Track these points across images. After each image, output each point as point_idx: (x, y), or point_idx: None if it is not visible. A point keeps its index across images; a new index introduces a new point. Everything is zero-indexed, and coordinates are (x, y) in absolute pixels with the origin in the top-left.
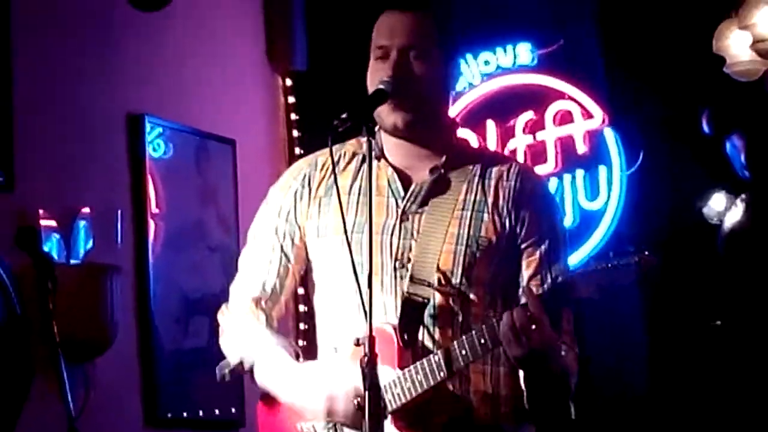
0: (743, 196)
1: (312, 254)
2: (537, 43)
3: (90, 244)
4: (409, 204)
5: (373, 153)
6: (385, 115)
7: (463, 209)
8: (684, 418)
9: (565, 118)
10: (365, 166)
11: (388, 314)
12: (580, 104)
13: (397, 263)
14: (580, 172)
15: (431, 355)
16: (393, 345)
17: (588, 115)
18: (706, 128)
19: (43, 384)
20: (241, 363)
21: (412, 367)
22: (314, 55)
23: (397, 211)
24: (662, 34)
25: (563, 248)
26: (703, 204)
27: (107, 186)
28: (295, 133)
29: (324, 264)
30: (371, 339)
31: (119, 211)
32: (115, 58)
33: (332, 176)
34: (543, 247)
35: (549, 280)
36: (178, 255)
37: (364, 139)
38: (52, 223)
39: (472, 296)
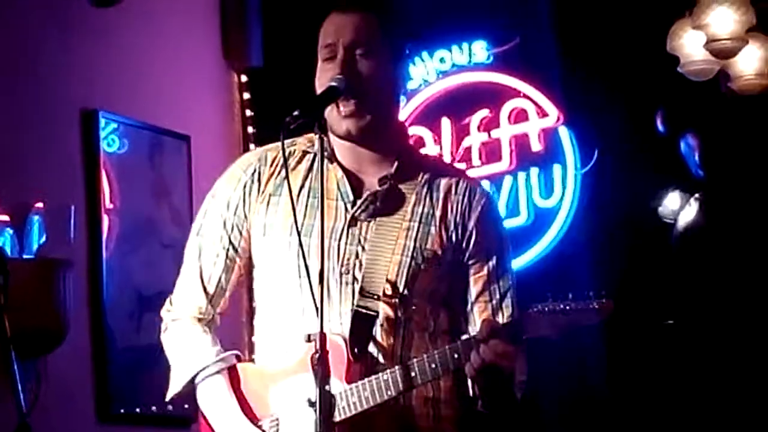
0: (697, 195)
1: (255, 251)
2: (492, 41)
3: (43, 238)
4: (359, 212)
5: (327, 154)
6: (337, 121)
7: (410, 220)
8: (639, 416)
9: (520, 116)
10: (316, 166)
11: (332, 321)
12: (535, 102)
13: (343, 269)
14: (534, 170)
15: (381, 374)
16: (343, 358)
17: (543, 113)
18: (660, 127)
19: None
20: (189, 384)
21: (360, 383)
22: (270, 51)
23: (345, 216)
24: (617, 33)
25: (510, 265)
26: (657, 203)
27: (61, 181)
28: (250, 130)
29: (267, 263)
30: (322, 337)
31: (72, 207)
32: (70, 54)
33: (282, 174)
34: (491, 263)
35: (497, 296)
36: (132, 251)
37: (315, 137)
38: (5, 217)
39: (414, 307)
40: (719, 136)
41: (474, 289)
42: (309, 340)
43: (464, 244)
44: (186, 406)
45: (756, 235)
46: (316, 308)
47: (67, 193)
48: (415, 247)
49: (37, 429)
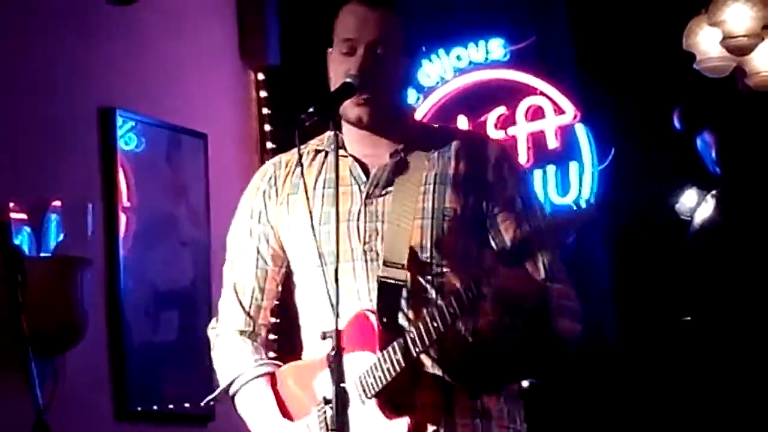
0: (714, 192)
1: (288, 252)
2: (509, 38)
3: (60, 237)
4: (372, 188)
5: (334, 146)
6: (350, 108)
7: (425, 184)
8: (656, 412)
9: (537, 113)
10: (329, 158)
11: (362, 300)
12: (551, 100)
13: (366, 247)
14: (551, 168)
15: (406, 333)
16: (373, 330)
17: (559, 110)
18: (677, 124)
19: (12, 377)
20: (224, 390)
21: (389, 347)
22: (287, 50)
23: (361, 197)
24: (633, 31)
25: (535, 202)
26: (674, 200)
27: (78, 179)
28: (267, 128)
29: (298, 260)
30: (338, 333)
31: (90, 205)
32: (88, 52)
33: (297, 172)
34: (517, 207)
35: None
36: (149, 249)
37: (326, 135)
38: (23, 216)
39: (445, 269)
40: (736, 133)
41: (507, 237)
42: (324, 337)
43: (485, 196)
44: (203, 404)
45: None
46: (332, 305)
47: (85, 191)
48: (434, 208)
49: (55, 427)
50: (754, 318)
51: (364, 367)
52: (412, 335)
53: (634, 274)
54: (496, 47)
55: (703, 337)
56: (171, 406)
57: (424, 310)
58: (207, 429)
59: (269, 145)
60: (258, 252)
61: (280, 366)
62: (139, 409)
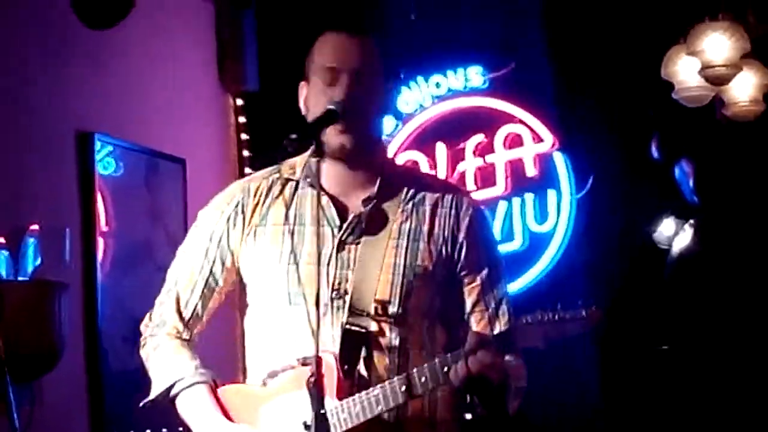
0: (692, 221)
1: (247, 280)
2: (488, 66)
3: (38, 261)
4: (345, 235)
5: (309, 180)
6: (333, 136)
7: (398, 238)
8: None
9: (515, 141)
10: (300, 191)
11: (325, 344)
12: (530, 128)
13: (334, 293)
14: (529, 196)
15: (372, 389)
16: (333, 375)
17: (538, 138)
18: (655, 153)
19: None
20: (165, 392)
21: (350, 399)
22: (265, 76)
23: (333, 241)
24: (612, 60)
25: (503, 272)
26: (652, 229)
27: (56, 203)
28: (246, 153)
29: (258, 291)
30: (318, 360)
31: (68, 229)
32: (66, 76)
33: (266, 203)
34: (483, 273)
35: (493, 304)
36: (127, 273)
37: (297, 161)
38: (0, 239)
39: (409, 323)
40: (714, 163)
41: (469, 300)
42: (304, 363)
43: (455, 257)
44: (180, 429)
45: (750, 261)
46: (312, 331)
47: (63, 215)
48: (405, 264)
49: None
50: (732, 346)
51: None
52: (375, 393)
53: (612, 302)
54: (475, 75)
55: (681, 366)
56: None
57: (395, 379)
58: None
59: (247, 170)
60: (210, 272)
61: (215, 381)
62: None
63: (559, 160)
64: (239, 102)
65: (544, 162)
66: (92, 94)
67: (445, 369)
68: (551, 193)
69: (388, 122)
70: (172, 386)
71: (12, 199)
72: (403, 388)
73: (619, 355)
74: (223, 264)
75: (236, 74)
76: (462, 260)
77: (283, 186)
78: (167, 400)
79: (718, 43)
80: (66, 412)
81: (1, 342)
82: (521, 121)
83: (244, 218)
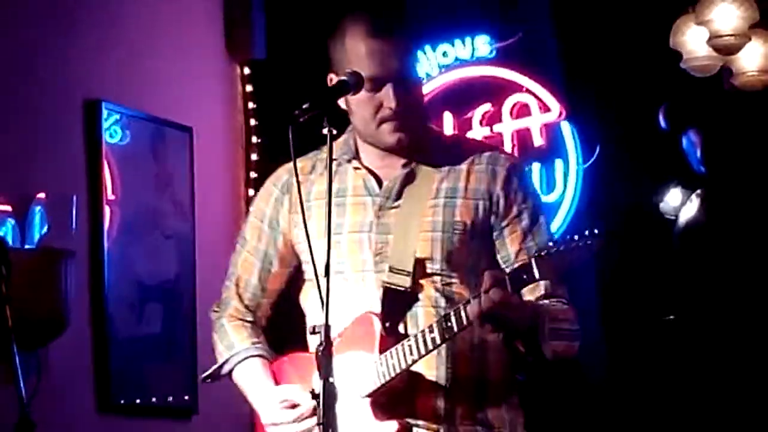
0: (699, 191)
1: (301, 257)
2: (495, 35)
3: (45, 229)
4: (384, 200)
5: (348, 155)
6: (388, 132)
7: (436, 197)
8: (639, 411)
9: (522, 110)
10: (341, 168)
11: (372, 306)
12: (537, 97)
13: (377, 258)
14: (536, 165)
15: (405, 340)
16: (374, 332)
17: (545, 108)
18: (662, 123)
19: None
20: (220, 367)
21: (388, 352)
22: (273, 44)
23: (373, 209)
24: (620, 29)
25: (543, 221)
26: (659, 199)
27: (63, 172)
28: (253, 122)
29: (307, 266)
30: (326, 328)
31: (74, 197)
32: (73, 44)
33: (310, 181)
34: (523, 223)
35: (534, 253)
36: (133, 242)
37: (338, 143)
38: (7, 208)
39: (454, 280)
40: (721, 133)
41: (511, 250)
42: (314, 332)
43: (493, 210)
44: (186, 397)
45: (757, 232)
46: (322, 301)
47: (69, 183)
48: (444, 222)
49: (38, 419)
50: (738, 317)
51: (360, 366)
52: (409, 343)
53: (618, 272)
54: (482, 44)
55: (687, 336)
56: (154, 399)
57: (426, 327)
58: (190, 422)
59: (255, 139)
60: (265, 255)
61: (274, 353)
62: (122, 402)
63: (567, 129)
64: (246, 70)
65: (551, 131)
66: (99, 62)
67: (448, 324)
68: (558, 163)
69: None
70: (226, 362)
71: (19, 167)
72: (432, 334)
73: (626, 326)
74: (276, 246)
75: (244, 42)
76: (500, 212)
77: (326, 165)
78: (226, 375)
79: (726, 13)
80: (72, 380)
81: (8, 310)
82: (528, 91)
83: (290, 197)
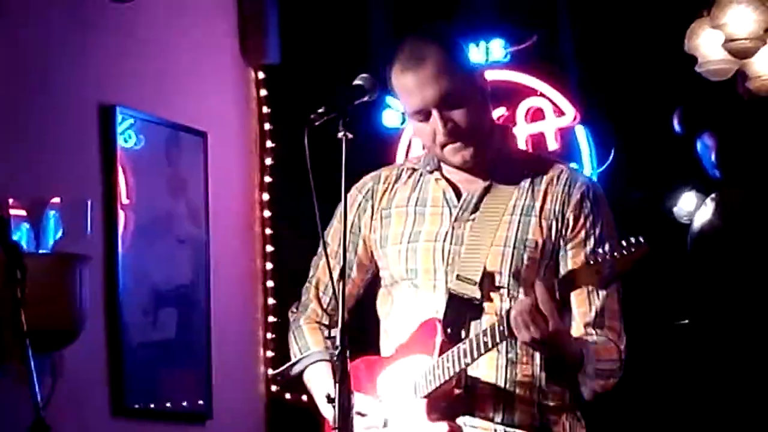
0: (713, 195)
1: (379, 264)
2: (510, 39)
3: (59, 233)
4: (461, 212)
5: (430, 167)
6: (451, 154)
7: (512, 214)
8: (651, 416)
9: (537, 115)
10: (423, 178)
11: (439, 314)
12: (552, 101)
13: (449, 268)
14: None
15: (461, 343)
16: (435, 337)
17: (560, 112)
18: (677, 127)
19: (10, 373)
20: (291, 366)
21: (444, 355)
22: (287, 48)
23: (450, 220)
24: (635, 33)
25: (608, 245)
26: (673, 203)
27: (78, 176)
28: (267, 126)
29: (384, 271)
30: (343, 332)
31: (89, 202)
32: (88, 49)
33: (394, 189)
34: (588, 247)
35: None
36: (148, 246)
37: (423, 155)
38: (22, 212)
39: (521, 296)
40: (736, 137)
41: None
42: (328, 337)
43: (563, 232)
44: (201, 402)
45: None
46: (336, 303)
47: (84, 188)
48: (516, 238)
49: (53, 423)
50: (752, 322)
51: (420, 369)
52: (464, 347)
53: (632, 276)
54: (497, 48)
55: (701, 340)
56: (168, 404)
57: (480, 332)
58: (204, 427)
59: (269, 143)
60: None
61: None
62: (137, 406)
63: (581, 133)
64: (261, 75)
65: (566, 135)
66: (114, 66)
67: (501, 328)
68: (573, 167)
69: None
70: (298, 362)
71: (33, 172)
72: (486, 338)
73: (640, 330)
74: (356, 251)
75: (258, 47)
76: (568, 235)
77: (410, 175)
78: (296, 375)
79: (741, 16)
80: (87, 384)
81: (23, 314)
82: (543, 95)
83: (372, 204)
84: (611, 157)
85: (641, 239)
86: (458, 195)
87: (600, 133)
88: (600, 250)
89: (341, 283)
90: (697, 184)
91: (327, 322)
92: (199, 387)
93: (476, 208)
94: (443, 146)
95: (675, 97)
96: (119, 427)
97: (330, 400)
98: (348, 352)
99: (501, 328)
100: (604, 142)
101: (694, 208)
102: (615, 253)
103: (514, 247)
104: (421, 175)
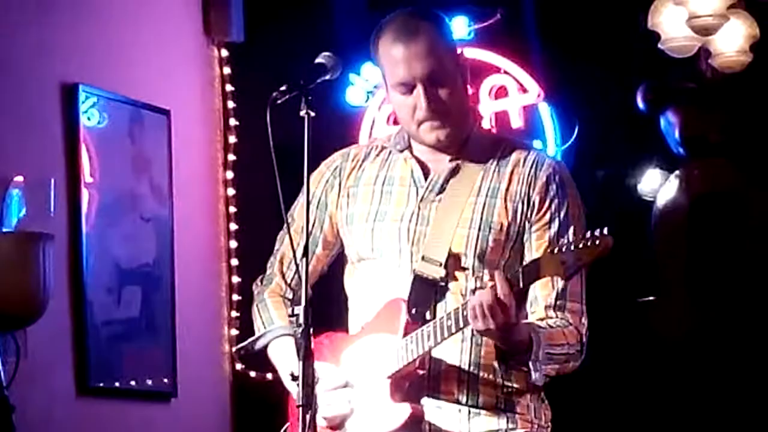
0: (677, 172)
1: (344, 241)
2: (473, 16)
3: (23, 212)
4: (427, 192)
5: (400, 146)
6: (427, 132)
7: (477, 195)
8: (616, 395)
9: (501, 92)
10: (392, 156)
11: (404, 295)
12: (515, 79)
13: (414, 248)
14: None
15: (425, 325)
16: (400, 317)
17: (523, 89)
18: (641, 104)
19: None
20: (255, 340)
21: (409, 337)
22: (251, 26)
23: (416, 200)
24: (598, 10)
25: (573, 230)
26: (637, 180)
27: (41, 155)
28: (231, 105)
29: (350, 249)
30: (306, 309)
31: (52, 180)
32: (50, 27)
33: (362, 167)
34: (552, 230)
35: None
36: (112, 225)
37: (393, 134)
38: None
39: (485, 279)
40: (699, 113)
41: (535, 256)
42: (292, 314)
43: (528, 214)
44: (165, 380)
45: (736, 212)
46: (300, 281)
47: (47, 166)
48: (482, 220)
49: (17, 402)
50: (717, 298)
51: (384, 349)
52: (428, 330)
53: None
54: (461, 25)
55: (666, 318)
56: (133, 383)
57: (444, 315)
58: (169, 405)
59: (232, 121)
60: (310, 235)
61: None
62: (101, 385)
63: (545, 111)
64: (224, 53)
65: (530, 113)
66: (76, 45)
67: (465, 313)
68: (537, 144)
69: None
70: (262, 336)
71: None
72: (450, 321)
73: (604, 308)
74: (322, 227)
75: (221, 24)
76: (533, 218)
77: (378, 153)
78: (260, 349)
79: None
80: (51, 362)
81: None
82: (507, 72)
83: (340, 182)
84: (575, 135)
85: (605, 232)
86: (426, 175)
87: (564, 110)
88: (564, 241)
89: (305, 260)
90: (661, 161)
91: (291, 297)
92: (164, 365)
93: (442, 189)
94: (420, 123)
95: (638, 75)
96: (84, 405)
97: (294, 377)
98: (311, 329)
99: (465, 313)
100: (568, 119)
101: (658, 185)
102: (579, 245)
103: (479, 229)
104: (390, 153)
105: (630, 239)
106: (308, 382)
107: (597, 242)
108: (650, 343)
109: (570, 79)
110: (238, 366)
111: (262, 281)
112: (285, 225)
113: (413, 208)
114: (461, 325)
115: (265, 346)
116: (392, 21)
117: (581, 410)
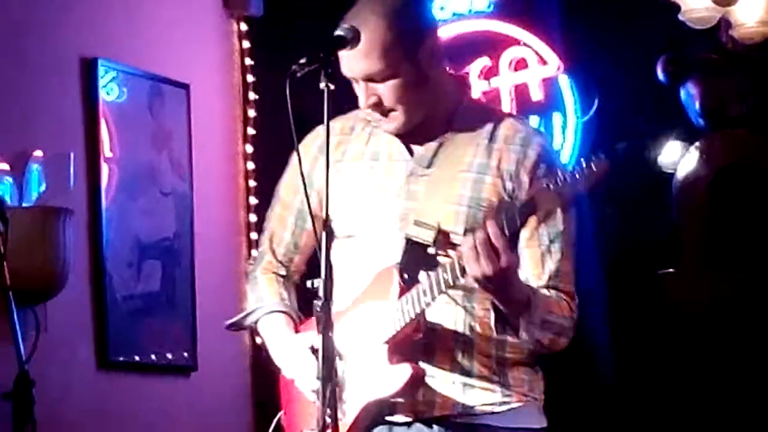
0: (697, 144)
1: (332, 216)
2: None
3: (43, 187)
4: (416, 166)
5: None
6: (384, 123)
7: (467, 171)
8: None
9: (520, 64)
10: (376, 131)
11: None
12: (535, 51)
13: (402, 224)
14: (534, 119)
15: (418, 285)
16: (392, 282)
17: (543, 62)
18: (661, 76)
19: None
20: (245, 317)
21: (402, 299)
22: (270, 0)
23: (404, 174)
24: None
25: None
26: (658, 152)
27: (60, 130)
28: (250, 78)
29: (338, 225)
30: (326, 282)
31: (72, 155)
32: (69, 2)
33: (347, 141)
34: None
35: (546, 241)
36: (131, 199)
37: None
38: (5, 166)
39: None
40: (720, 85)
41: (523, 233)
42: (312, 286)
43: (516, 192)
44: (185, 354)
45: (757, 184)
46: (318, 257)
47: (67, 141)
48: (471, 196)
49: (37, 377)
50: (739, 268)
51: (378, 315)
52: (423, 286)
53: (617, 225)
54: None
55: (686, 291)
56: (153, 357)
57: (433, 271)
58: (189, 379)
59: (252, 95)
60: (299, 211)
61: (301, 315)
62: (121, 359)
63: (565, 83)
64: (243, 27)
65: (550, 85)
66: (96, 19)
67: (460, 266)
68: (557, 116)
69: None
70: (252, 312)
71: (16, 125)
72: (446, 274)
73: (624, 280)
74: (309, 202)
75: None
76: (522, 196)
77: (363, 127)
78: (251, 325)
79: None
80: (71, 337)
81: (6, 268)
82: (526, 45)
83: (327, 156)
84: (595, 107)
85: (601, 155)
86: (412, 150)
87: (584, 82)
88: (560, 173)
89: (325, 232)
90: (682, 133)
91: (284, 273)
92: (184, 339)
93: (431, 164)
94: (369, 114)
95: (659, 46)
96: (104, 379)
97: (314, 351)
98: (331, 302)
99: (462, 263)
100: (588, 91)
101: (678, 158)
102: (575, 174)
103: (468, 206)
104: (375, 127)
105: (650, 212)
106: (329, 355)
107: (594, 167)
108: (670, 316)
109: (590, 51)
110: (258, 339)
111: (254, 259)
112: (273, 202)
113: (401, 183)
114: (458, 274)
115: (255, 322)
116: (353, 5)
117: (600, 383)
